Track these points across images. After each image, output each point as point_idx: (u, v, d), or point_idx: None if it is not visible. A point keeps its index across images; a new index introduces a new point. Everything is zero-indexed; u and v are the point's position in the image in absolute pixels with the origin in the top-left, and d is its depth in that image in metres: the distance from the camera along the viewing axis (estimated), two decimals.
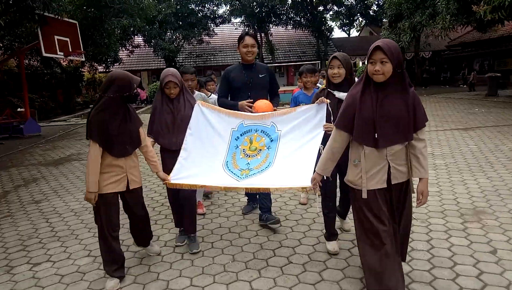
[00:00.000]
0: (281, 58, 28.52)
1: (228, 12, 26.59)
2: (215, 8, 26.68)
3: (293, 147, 2.93)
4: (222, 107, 3.38)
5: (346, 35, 33.73)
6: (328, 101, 2.82)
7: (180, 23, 24.88)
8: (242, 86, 3.58)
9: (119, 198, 2.74)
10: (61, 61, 18.76)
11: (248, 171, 2.95)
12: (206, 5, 25.93)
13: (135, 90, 2.61)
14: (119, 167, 2.64)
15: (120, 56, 22.29)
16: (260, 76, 3.63)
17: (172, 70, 3.13)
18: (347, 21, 29.80)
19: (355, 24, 31.96)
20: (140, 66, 28.19)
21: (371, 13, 28.06)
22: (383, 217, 2.17)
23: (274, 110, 3.28)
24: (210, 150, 3.10)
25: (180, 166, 2.99)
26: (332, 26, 29.15)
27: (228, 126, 3.18)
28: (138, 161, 2.82)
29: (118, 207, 2.70)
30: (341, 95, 2.73)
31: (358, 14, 28.68)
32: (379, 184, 2.17)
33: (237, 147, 3.12)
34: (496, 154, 6.15)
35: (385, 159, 2.15)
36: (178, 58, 27.08)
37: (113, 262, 2.69)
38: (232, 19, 27.39)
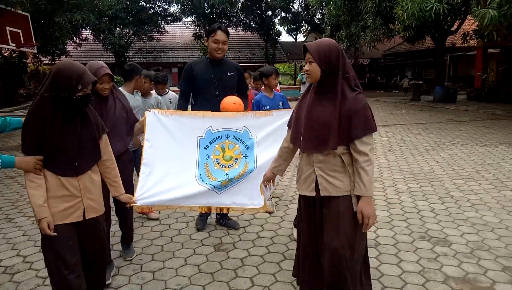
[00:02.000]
0: (231, 58, 29.31)
1: (179, 11, 27.07)
2: (166, 6, 27.04)
3: (272, 157, 2.52)
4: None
5: (293, 40, 35.52)
6: None
7: (131, 19, 24.95)
8: (208, 84, 3.24)
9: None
10: (3, 52, 18.19)
11: (229, 181, 2.69)
12: (157, 2, 26.23)
13: (83, 91, 1.92)
14: (70, 190, 2.00)
15: (67, 49, 21.94)
16: (228, 74, 3.30)
17: (100, 62, 2.60)
18: (294, 26, 31.50)
19: (301, 29, 33.77)
20: (88, 59, 27.62)
21: (315, 21, 30.01)
22: (305, 228, 2.15)
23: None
24: (177, 163, 2.70)
25: (143, 184, 2.58)
26: (280, 30, 30.72)
27: (194, 134, 2.79)
28: (99, 179, 2.19)
29: (72, 242, 2.04)
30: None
31: (303, 21, 30.47)
32: (308, 192, 2.04)
33: (208, 157, 2.77)
34: (400, 143, 7.73)
35: (312, 165, 2.01)
36: (128, 54, 27.04)
37: None
38: (184, 18, 27.90)
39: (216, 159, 2.78)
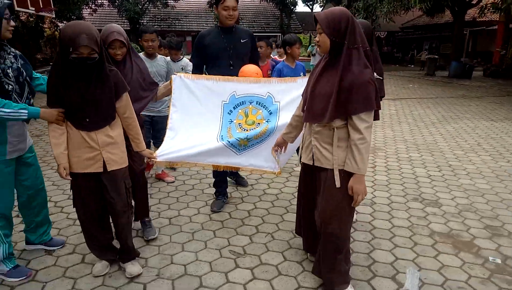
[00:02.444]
0: (245, 28, 29.24)
1: None
2: None
3: None
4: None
5: (309, 10, 34.76)
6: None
7: None
8: (221, 54, 3.13)
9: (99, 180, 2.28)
10: (21, 16, 18.42)
11: (247, 141, 2.72)
12: None
13: (76, 54, 1.98)
14: (89, 143, 2.18)
15: (83, 15, 22.04)
16: (242, 41, 3.20)
17: (116, 26, 2.58)
18: None
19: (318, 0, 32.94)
20: (103, 26, 27.65)
21: None
22: (303, 193, 2.33)
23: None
24: (201, 127, 2.78)
25: (166, 146, 2.70)
26: (296, 0, 30.07)
27: (218, 99, 2.82)
28: (121, 135, 2.33)
29: (96, 191, 2.29)
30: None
31: None
32: (307, 160, 2.16)
33: (231, 121, 2.81)
34: (407, 116, 7.89)
35: (311, 135, 2.08)
36: (142, 21, 26.96)
37: (96, 248, 2.48)
38: None
39: (239, 123, 2.81)
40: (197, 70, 3.28)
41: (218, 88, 2.82)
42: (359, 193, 1.95)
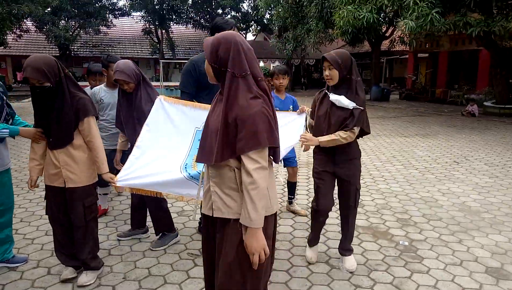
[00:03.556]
0: (181, 54, 29.66)
1: (128, 5, 26.74)
2: (114, 0, 26.58)
3: None
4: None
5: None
6: (308, 109, 2.85)
7: (76, 11, 24.28)
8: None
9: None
10: None
11: None
12: None
13: (32, 83, 2.34)
14: (53, 160, 2.47)
15: (8, 40, 20.91)
16: None
17: (121, 64, 2.87)
18: (243, 25, 32.33)
19: (250, 29, 34.67)
20: (29, 52, 26.41)
21: (264, 21, 31.07)
22: (205, 254, 1.84)
23: None
24: (169, 151, 2.66)
25: (129, 166, 2.61)
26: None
27: (192, 125, 2.71)
28: (83, 156, 2.53)
29: (63, 203, 2.54)
30: (335, 98, 2.59)
31: (253, 21, 31.40)
32: (206, 209, 1.72)
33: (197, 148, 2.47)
34: None
35: (209, 179, 1.69)
36: (73, 47, 26.22)
37: (62, 255, 2.67)
38: (133, 13, 27.58)
39: None
40: (188, 99, 2.98)
41: (194, 114, 2.72)
42: (253, 252, 1.55)
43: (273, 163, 1.76)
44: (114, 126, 3.55)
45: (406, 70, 23.27)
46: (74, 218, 2.54)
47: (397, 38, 15.45)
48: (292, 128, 2.89)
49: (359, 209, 4.09)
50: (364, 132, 2.72)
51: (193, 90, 3.08)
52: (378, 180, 5.24)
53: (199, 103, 2.84)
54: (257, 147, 1.54)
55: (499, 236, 3.48)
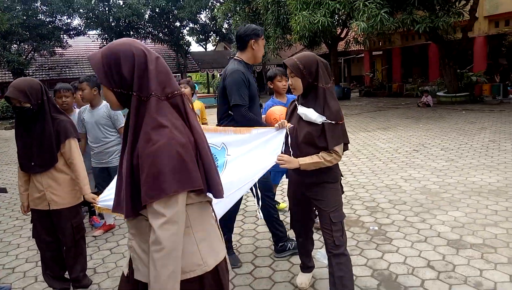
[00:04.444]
0: None
1: (82, 24, 26.18)
2: (67, 20, 25.95)
3: (235, 177, 2.25)
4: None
5: (203, 49, 36.49)
6: (290, 125, 2.29)
7: (28, 34, 23.48)
8: (257, 92, 2.89)
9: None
10: None
11: None
12: (58, 16, 25.06)
13: (14, 104, 2.37)
14: (36, 184, 2.51)
15: None
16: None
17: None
18: (202, 36, 32.49)
19: (210, 39, 34.87)
20: None
21: (223, 31, 31.39)
22: None
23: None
24: None
25: (113, 186, 2.35)
26: (189, 41, 31.40)
27: None
28: (66, 178, 2.57)
29: (48, 225, 2.60)
30: (302, 111, 2.18)
31: (212, 32, 31.64)
32: (127, 269, 1.40)
33: None
34: None
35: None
36: (28, 71, 25.28)
37: (49, 277, 2.71)
38: (88, 32, 27.03)
39: None
40: (244, 114, 2.76)
41: None
42: None
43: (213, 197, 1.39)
44: (96, 145, 3.70)
45: (363, 68, 24.29)
46: (64, 239, 2.59)
47: (351, 39, 16.17)
48: (270, 146, 2.33)
49: None
50: (345, 145, 2.29)
51: (248, 102, 2.79)
52: (346, 174, 5.54)
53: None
54: (159, 196, 1.15)
55: (457, 212, 3.83)
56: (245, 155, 2.37)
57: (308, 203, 2.45)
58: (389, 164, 5.95)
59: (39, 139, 2.43)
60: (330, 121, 2.11)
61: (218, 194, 1.36)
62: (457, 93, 13.97)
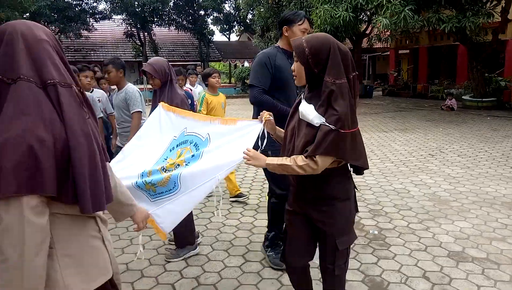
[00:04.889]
0: (165, 57, 29.48)
1: (108, 9, 26.55)
2: (94, 3, 26.38)
3: (207, 166, 2.10)
4: (268, 109, 2.31)
5: (226, 39, 36.41)
6: (269, 117, 2.02)
7: (56, 16, 24.00)
8: (290, 80, 2.47)
9: None
10: None
11: (154, 187, 2.19)
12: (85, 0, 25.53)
13: None
14: None
15: None
16: None
17: (154, 58, 3.03)
18: (226, 26, 32.40)
19: (234, 29, 34.75)
20: None
21: (247, 21, 31.21)
22: None
23: None
24: (142, 159, 2.44)
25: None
26: (213, 30, 31.42)
27: (171, 133, 2.50)
28: None
29: None
30: (302, 108, 1.74)
31: (235, 22, 31.50)
32: None
33: (165, 159, 2.36)
34: None
35: None
36: None
37: None
38: (114, 16, 27.41)
39: (168, 163, 2.30)
40: (265, 96, 2.68)
41: (177, 122, 2.52)
42: None
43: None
44: (117, 126, 3.79)
45: (389, 66, 23.67)
46: None
47: (374, 36, 15.75)
48: (246, 140, 2.09)
49: None
50: (357, 167, 1.89)
51: (267, 84, 2.69)
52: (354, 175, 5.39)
53: (185, 110, 2.60)
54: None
55: (464, 222, 3.66)
56: (222, 147, 2.20)
57: (310, 227, 1.90)
58: (401, 167, 5.77)
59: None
60: (328, 125, 1.60)
61: (86, 209, 1.11)
62: (484, 98, 13.41)
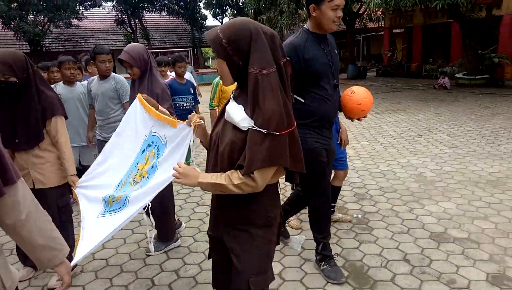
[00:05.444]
0: (157, 44, 29.18)
1: None
2: None
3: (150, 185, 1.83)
4: None
5: (219, 24, 35.92)
6: (199, 121, 1.68)
7: (45, 4, 23.52)
8: (325, 71, 2.30)
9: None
10: None
11: (112, 202, 1.97)
12: None
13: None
14: (19, 161, 2.42)
15: None
16: (336, 52, 2.44)
17: (131, 46, 2.78)
18: (219, 10, 31.87)
19: (227, 13, 34.20)
20: None
21: (240, 4, 30.67)
22: None
23: None
24: (119, 163, 2.23)
25: (91, 171, 2.33)
26: (205, 15, 30.94)
27: (143, 131, 2.16)
28: (51, 157, 2.46)
29: None
30: (229, 108, 1.44)
31: (227, 6, 30.96)
32: None
33: (137, 165, 2.10)
34: None
35: None
36: (44, 42, 25.52)
37: (21, 253, 2.65)
38: (103, 3, 26.91)
39: (139, 170, 2.04)
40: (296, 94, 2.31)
41: (147, 119, 2.17)
42: None
43: None
44: (100, 117, 3.56)
45: (383, 46, 23.42)
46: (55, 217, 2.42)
47: (365, 15, 15.51)
48: (178, 152, 1.80)
49: None
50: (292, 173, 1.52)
51: (301, 79, 2.28)
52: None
53: (152, 109, 2.15)
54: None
55: (448, 203, 3.65)
56: (168, 159, 1.86)
57: (227, 257, 1.56)
58: (389, 148, 5.74)
59: (25, 115, 2.32)
60: (257, 129, 1.31)
61: None
62: (477, 75, 13.32)
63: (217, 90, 3.94)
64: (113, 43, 27.94)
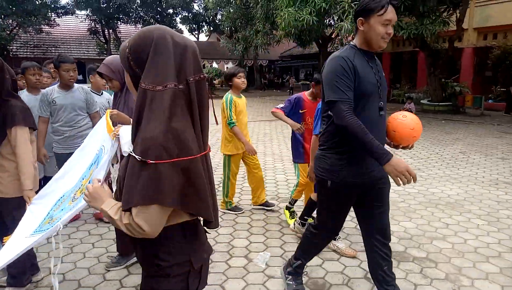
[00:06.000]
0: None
1: (72, 3, 25.64)
2: None
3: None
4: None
5: (195, 39, 36.08)
6: (116, 134, 1.51)
7: (14, 8, 22.87)
8: (373, 91, 2.08)
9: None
10: None
11: (47, 222, 1.76)
12: None
13: None
14: None
15: None
16: (383, 72, 2.22)
17: (111, 57, 2.68)
18: (195, 26, 32.12)
19: (203, 29, 34.49)
20: None
21: (216, 21, 31.07)
22: None
23: None
24: (72, 175, 2.02)
25: (48, 186, 2.15)
26: (181, 29, 31.05)
27: (97, 145, 1.93)
28: (14, 166, 2.36)
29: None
30: (122, 129, 1.43)
31: (204, 22, 31.30)
32: None
33: (82, 180, 1.90)
34: (278, 134, 9.09)
35: None
36: (11, 47, 24.69)
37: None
38: (77, 11, 26.50)
39: (82, 185, 1.76)
40: (348, 115, 1.94)
41: (105, 135, 1.85)
42: None
43: None
44: (69, 128, 3.47)
45: None
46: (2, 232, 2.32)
47: (337, 41, 16.14)
48: (101, 167, 1.58)
49: (286, 210, 4.26)
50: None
51: (352, 97, 1.99)
52: None
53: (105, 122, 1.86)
54: None
55: (409, 223, 3.78)
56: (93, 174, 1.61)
57: None
58: None
59: None
60: (134, 155, 1.10)
61: None
62: (440, 102, 14.03)
63: (232, 107, 3.81)
64: (85, 52, 27.45)
